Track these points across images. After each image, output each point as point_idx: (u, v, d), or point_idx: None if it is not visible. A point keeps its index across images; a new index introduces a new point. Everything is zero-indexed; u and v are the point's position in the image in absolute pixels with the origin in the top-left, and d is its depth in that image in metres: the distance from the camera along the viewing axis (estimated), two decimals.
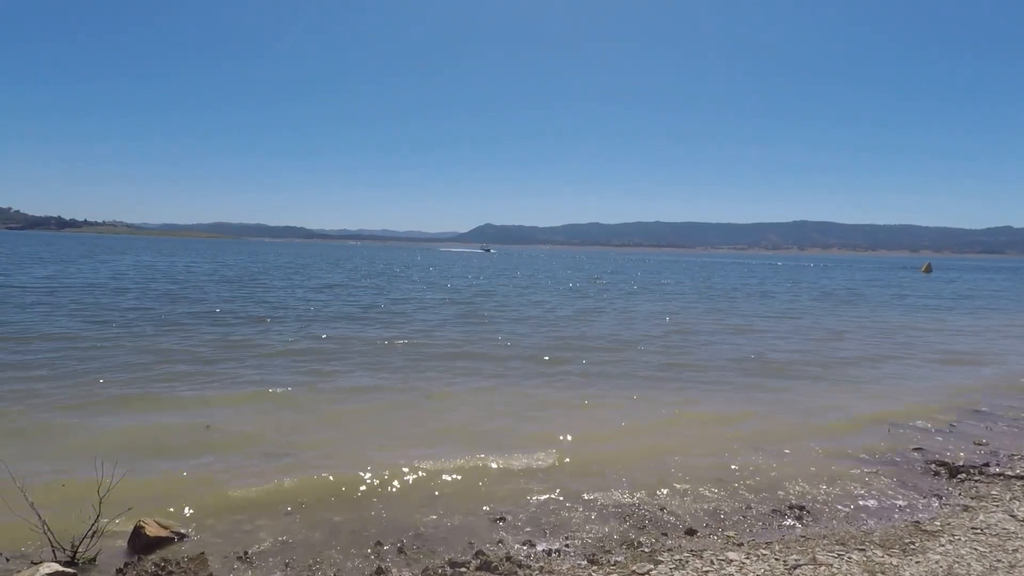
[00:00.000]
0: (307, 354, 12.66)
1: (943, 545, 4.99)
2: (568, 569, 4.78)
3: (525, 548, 5.18)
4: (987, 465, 7.33)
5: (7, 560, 4.75)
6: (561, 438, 7.82)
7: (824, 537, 5.34)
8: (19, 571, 4.46)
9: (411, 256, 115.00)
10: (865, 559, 4.76)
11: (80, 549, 4.76)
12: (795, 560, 4.75)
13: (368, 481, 6.33)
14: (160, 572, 4.64)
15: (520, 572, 4.75)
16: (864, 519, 5.83)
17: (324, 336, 14.92)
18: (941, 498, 6.35)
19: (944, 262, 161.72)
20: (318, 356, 12.50)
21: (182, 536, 5.26)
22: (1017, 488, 6.51)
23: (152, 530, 5.14)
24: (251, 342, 13.68)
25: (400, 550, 5.12)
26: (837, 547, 5.06)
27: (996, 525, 5.41)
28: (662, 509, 5.95)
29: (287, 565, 4.86)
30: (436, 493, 6.19)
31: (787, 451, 7.61)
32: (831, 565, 4.65)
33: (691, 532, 5.48)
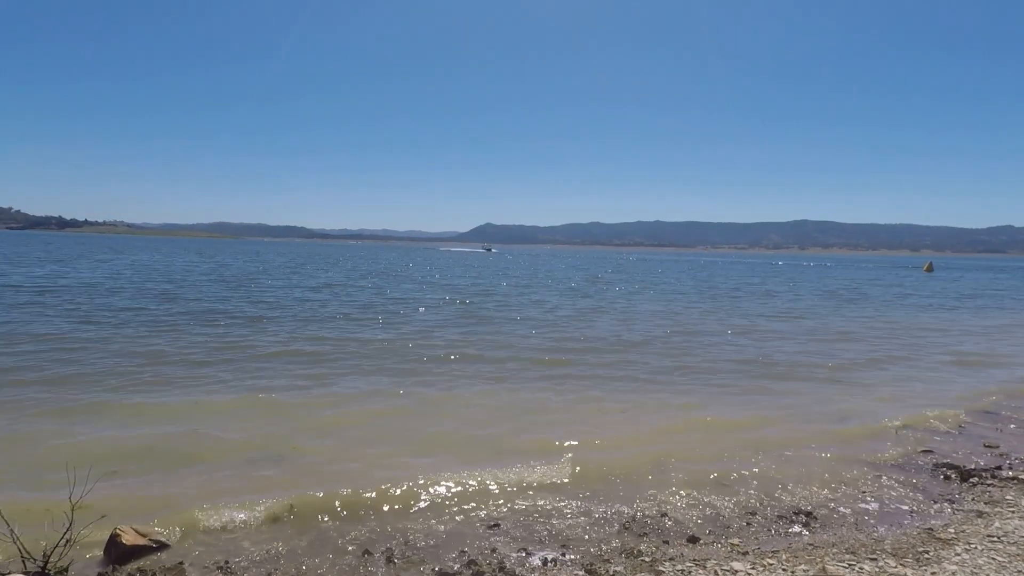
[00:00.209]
0: (301, 356, 12.35)
1: (959, 555, 4.75)
2: None
3: (520, 557, 4.95)
4: (999, 468, 7.10)
5: None
6: (560, 443, 7.55)
7: (833, 545, 5.10)
8: None
9: (412, 255, 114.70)
10: (877, 569, 4.53)
11: (52, 559, 4.52)
12: (803, 571, 4.52)
13: (358, 489, 6.08)
14: None
15: None
16: (874, 526, 5.59)
17: (320, 337, 14.60)
18: (953, 503, 6.11)
19: (945, 261, 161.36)
20: (312, 358, 12.17)
21: (161, 545, 5.03)
22: None
23: (129, 538, 4.91)
24: (244, 344, 13.34)
25: (389, 559, 4.89)
26: (847, 556, 4.82)
27: (1014, 532, 5.17)
28: (664, 516, 5.71)
29: (269, 575, 4.63)
30: (428, 500, 5.95)
31: (792, 454, 7.37)
32: None
33: (694, 540, 5.25)
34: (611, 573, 4.61)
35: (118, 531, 4.92)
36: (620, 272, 59.03)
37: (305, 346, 13.45)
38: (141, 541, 4.97)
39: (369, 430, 7.99)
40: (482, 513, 5.69)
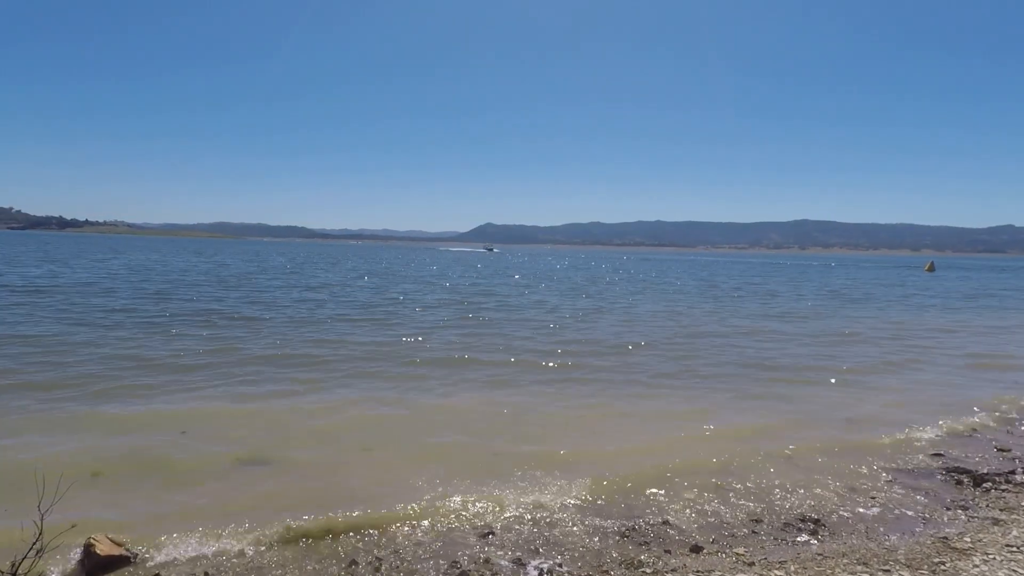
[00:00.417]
0: (294, 360, 11.94)
1: (977, 566, 4.51)
2: None
3: (514, 567, 4.72)
4: (1013, 473, 6.85)
5: None
6: (559, 450, 7.29)
7: (843, 555, 4.86)
8: None
9: (412, 255, 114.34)
10: None
11: (20, 569, 4.29)
12: None
13: (346, 498, 5.84)
14: None
15: None
16: (885, 534, 5.34)
17: (315, 339, 14.24)
18: (967, 510, 5.86)
19: (946, 261, 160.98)
20: (306, 362, 11.79)
21: (138, 555, 4.80)
22: None
23: (104, 548, 4.67)
24: (236, 346, 12.97)
25: (376, 569, 4.66)
26: (859, 567, 4.58)
27: None
28: (666, 524, 5.47)
29: None
30: (419, 509, 5.69)
31: (798, 460, 7.13)
32: None
33: (697, 549, 5.00)
34: None
35: (92, 540, 4.69)
36: (621, 272, 58.78)
37: (299, 349, 13.09)
38: (117, 551, 4.73)
39: (361, 437, 7.65)
40: (475, 522, 5.44)
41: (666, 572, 4.58)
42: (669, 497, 6.02)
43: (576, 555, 4.91)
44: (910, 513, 5.80)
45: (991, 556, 4.67)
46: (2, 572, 4.26)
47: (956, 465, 7.05)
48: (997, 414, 9.30)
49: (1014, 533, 5.13)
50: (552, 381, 10.84)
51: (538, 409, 9.11)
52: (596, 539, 5.17)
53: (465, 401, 9.47)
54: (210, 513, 5.46)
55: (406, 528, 5.31)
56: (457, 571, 4.63)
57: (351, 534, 5.17)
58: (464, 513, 5.60)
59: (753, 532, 5.36)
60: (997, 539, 5.02)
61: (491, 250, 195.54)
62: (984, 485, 6.46)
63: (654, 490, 6.18)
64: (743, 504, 5.91)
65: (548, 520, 5.51)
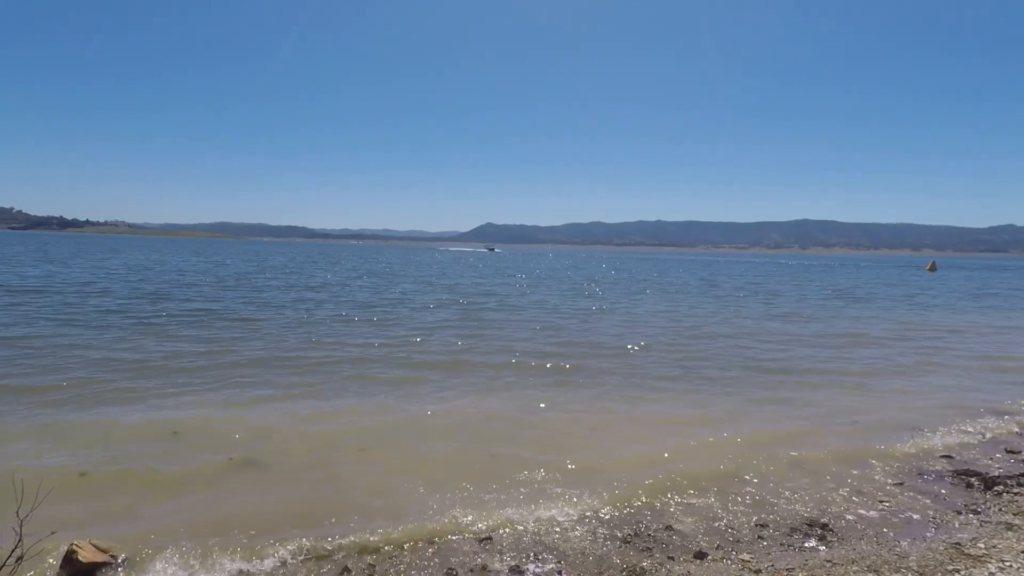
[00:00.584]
0: (289, 362, 11.61)
1: (993, 574, 4.34)
2: None
3: (512, 574, 4.55)
4: None
5: None
6: (560, 453, 7.09)
7: (853, 562, 4.69)
8: None
9: (413, 255, 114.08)
10: None
11: None
12: None
13: (340, 502, 5.68)
14: None
15: None
16: (895, 539, 5.17)
17: (312, 341, 13.94)
18: (979, 514, 5.70)
19: (947, 261, 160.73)
20: (301, 364, 11.44)
21: (123, 561, 4.64)
22: None
23: (86, 554, 4.51)
24: (230, 349, 12.61)
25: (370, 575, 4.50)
26: (870, 575, 4.42)
27: None
28: (668, 529, 5.30)
29: None
30: (415, 513, 5.53)
31: (805, 463, 6.94)
32: None
33: (701, 556, 4.83)
34: None
35: (75, 547, 4.53)
36: (622, 272, 58.59)
37: (296, 350, 12.77)
38: (100, 558, 4.57)
39: (356, 442, 7.40)
40: (472, 528, 5.27)
41: None
42: (672, 502, 5.85)
43: (576, 562, 4.74)
44: (920, 517, 5.63)
45: (1007, 564, 4.50)
46: None
47: (966, 468, 6.88)
48: (1006, 416, 9.11)
49: None
50: (553, 384, 10.55)
51: (538, 413, 8.89)
52: (597, 545, 5.01)
53: (463, 405, 9.22)
54: (199, 519, 5.29)
55: (401, 534, 5.13)
56: None
57: (344, 540, 5.00)
58: (461, 519, 5.42)
59: (759, 537, 5.19)
60: (1012, 545, 4.86)
61: (492, 250, 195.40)
62: (995, 488, 6.29)
63: (656, 493, 6.00)
64: (748, 508, 5.75)
65: (547, 526, 5.34)
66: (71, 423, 7.75)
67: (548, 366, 11.98)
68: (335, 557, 4.77)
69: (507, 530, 5.25)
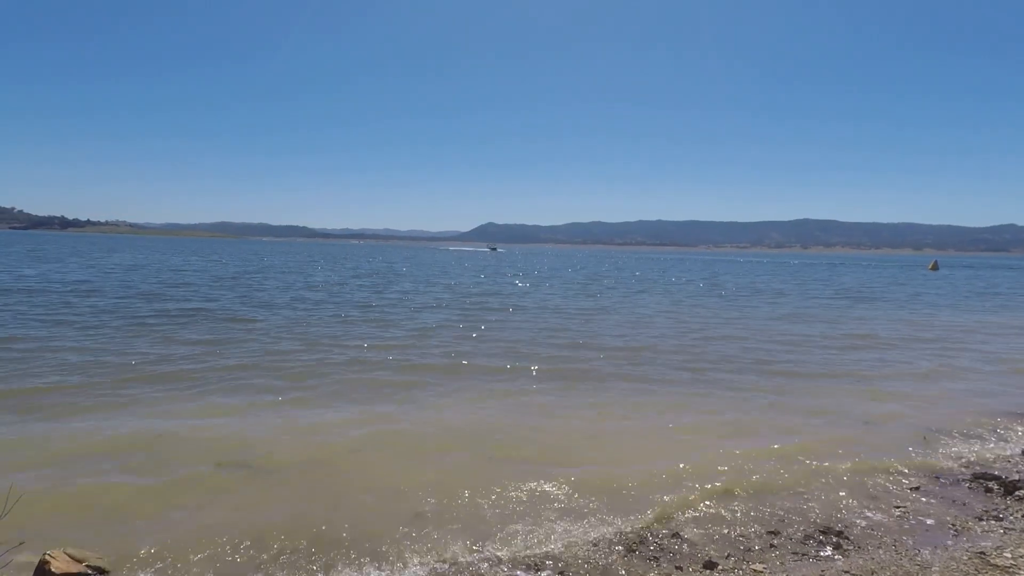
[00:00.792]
0: (284, 365, 11.16)
1: None
2: None
3: None
4: None
5: None
6: (562, 458, 6.82)
7: (873, 572, 4.43)
8: None
9: (415, 255, 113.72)
10: None
11: None
12: None
13: (333, 509, 5.42)
14: None
15: None
16: (915, 547, 4.91)
17: (311, 340, 13.67)
18: (1000, 520, 5.43)
19: (949, 260, 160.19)
20: (297, 367, 11.02)
21: (100, 572, 4.39)
22: None
23: (59, 565, 4.26)
24: (224, 352, 12.19)
25: None
26: None
27: None
28: (676, 536, 5.04)
29: None
30: (410, 518, 5.28)
31: (818, 467, 6.67)
32: None
33: (711, 566, 4.57)
34: None
35: (47, 557, 4.28)
36: (624, 271, 58.29)
37: (290, 353, 12.31)
38: (75, 568, 4.32)
39: (352, 445, 7.12)
40: (470, 534, 5.01)
41: None
42: (680, 507, 5.59)
43: (579, 571, 4.48)
44: (939, 524, 5.37)
45: None
46: None
47: (984, 471, 6.61)
48: (1022, 415, 8.84)
49: None
50: (555, 388, 10.19)
51: (540, 417, 8.55)
52: (601, 554, 4.75)
53: (463, 407, 8.91)
54: (182, 529, 5.03)
55: (395, 540, 4.88)
56: None
57: (335, 550, 4.75)
58: (458, 525, 5.17)
59: (771, 546, 4.93)
60: None
61: (495, 249, 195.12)
62: (1016, 493, 6.02)
63: (663, 499, 5.74)
64: (759, 515, 5.48)
65: (548, 533, 5.08)
66: (50, 429, 7.37)
67: (551, 368, 11.64)
68: (329, 562, 4.52)
69: (506, 537, 4.99)
